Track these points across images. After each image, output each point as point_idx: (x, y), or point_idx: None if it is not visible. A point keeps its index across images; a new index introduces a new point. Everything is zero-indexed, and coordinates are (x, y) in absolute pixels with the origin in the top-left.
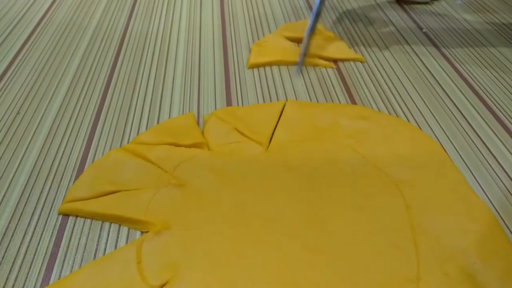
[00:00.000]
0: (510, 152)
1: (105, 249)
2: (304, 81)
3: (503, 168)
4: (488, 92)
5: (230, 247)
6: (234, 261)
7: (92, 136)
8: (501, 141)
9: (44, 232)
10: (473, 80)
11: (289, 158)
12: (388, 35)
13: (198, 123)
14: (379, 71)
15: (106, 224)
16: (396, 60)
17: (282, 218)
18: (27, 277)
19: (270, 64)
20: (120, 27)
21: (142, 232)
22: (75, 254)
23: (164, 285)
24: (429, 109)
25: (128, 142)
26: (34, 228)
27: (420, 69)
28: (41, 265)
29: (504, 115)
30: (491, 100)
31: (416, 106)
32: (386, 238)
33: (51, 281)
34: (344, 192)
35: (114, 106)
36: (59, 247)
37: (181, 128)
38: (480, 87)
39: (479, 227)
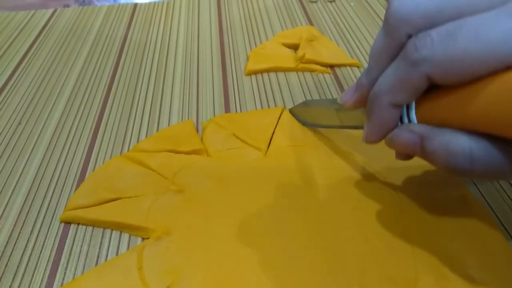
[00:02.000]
0: None
1: (106, 256)
2: (301, 86)
3: None
4: None
5: (230, 251)
6: (234, 265)
7: (92, 144)
8: None
9: (46, 240)
10: None
11: (287, 163)
12: None
13: (197, 130)
14: None
15: (108, 231)
16: None
17: (280, 222)
18: (30, 284)
19: (268, 70)
20: (119, 37)
21: (143, 239)
22: (77, 261)
23: None
24: None
25: (128, 150)
26: (37, 236)
27: None
28: (44, 272)
29: None
30: None
31: None
32: (384, 241)
33: None
34: (341, 196)
35: (114, 115)
36: (61, 254)
37: (180, 135)
38: None
39: (476, 229)
